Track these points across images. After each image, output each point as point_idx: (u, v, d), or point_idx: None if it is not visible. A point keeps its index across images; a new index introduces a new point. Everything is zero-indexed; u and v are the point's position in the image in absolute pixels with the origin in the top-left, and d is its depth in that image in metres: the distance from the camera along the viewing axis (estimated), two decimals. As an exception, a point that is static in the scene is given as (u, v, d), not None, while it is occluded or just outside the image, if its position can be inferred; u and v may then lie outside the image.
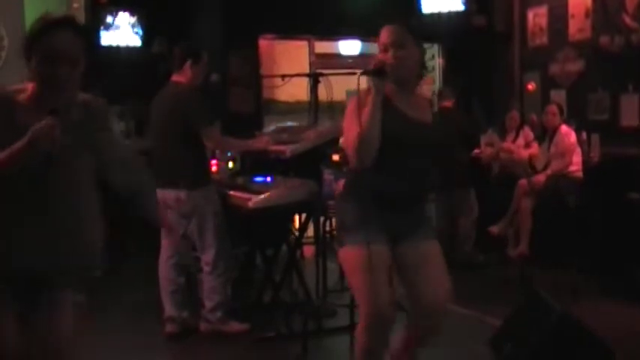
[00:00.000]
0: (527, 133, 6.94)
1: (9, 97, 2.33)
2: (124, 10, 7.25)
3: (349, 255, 3.03)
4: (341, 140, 3.71)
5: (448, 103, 6.79)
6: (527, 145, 6.82)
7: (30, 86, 2.33)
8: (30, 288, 2.40)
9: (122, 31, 7.28)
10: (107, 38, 7.20)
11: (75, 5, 6.05)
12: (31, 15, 5.09)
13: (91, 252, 2.48)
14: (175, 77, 4.66)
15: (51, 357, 2.44)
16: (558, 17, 7.28)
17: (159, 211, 2.82)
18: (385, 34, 3.04)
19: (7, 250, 2.34)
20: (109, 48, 7.18)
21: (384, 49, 3.02)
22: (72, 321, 2.47)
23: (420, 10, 7.65)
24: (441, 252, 3.12)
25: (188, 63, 4.62)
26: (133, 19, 7.29)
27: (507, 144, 6.87)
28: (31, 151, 2.19)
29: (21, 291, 2.38)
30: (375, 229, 2.95)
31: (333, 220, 5.58)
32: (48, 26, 2.25)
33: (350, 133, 2.95)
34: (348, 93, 4.40)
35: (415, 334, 3.18)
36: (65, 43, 2.22)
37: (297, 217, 5.31)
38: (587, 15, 6.90)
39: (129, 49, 7.31)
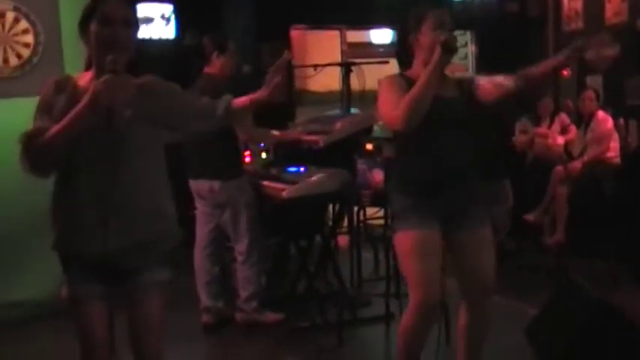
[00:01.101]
0: (564, 118, 6.85)
1: (71, 80, 2.43)
2: (158, 2, 7.29)
3: (401, 241, 3.10)
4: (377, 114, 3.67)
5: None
6: (564, 130, 6.74)
7: (89, 72, 2.42)
8: (113, 272, 2.39)
9: (155, 24, 7.34)
10: (140, 31, 7.24)
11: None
12: (66, 12, 5.13)
13: (166, 223, 2.48)
14: (206, 69, 4.68)
15: (140, 343, 2.47)
16: (594, 1, 7.17)
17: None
18: (443, 14, 3.08)
19: (77, 231, 2.36)
20: (142, 40, 7.23)
21: (441, 28, 3.01)
22: (160, 302, 2.47)
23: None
24: (491, 237, 3.16)
25: (215, 54, 4.64)
26: (167, 12, 7.33)
27: (541, 129, 6.78)
28: (94, 107, 2.22)
29: (105, 275, 2.39)
30: (426, 214, 3.02)
31: (367, 209, 5.61)
32: None
33: (389, 105, 2.99)
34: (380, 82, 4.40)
35: (472, 314, 3.21)
36: (117, 8, 2.37)
37: (330, 207, 5.31)
38: (623, -2, 6.78)
39: (161, 42, 7.36)
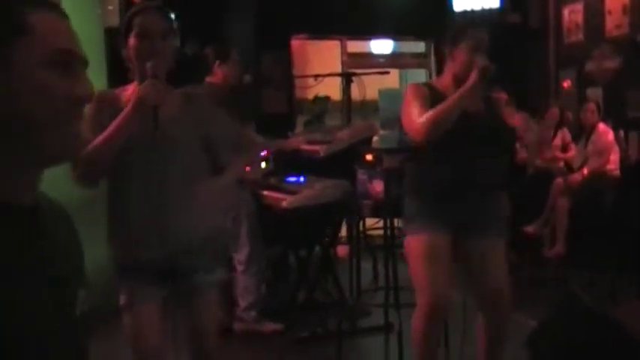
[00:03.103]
0: (565, 134, 6.84)
1: (114, 95, 2.50)
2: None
3: (411, 244, 3.13)
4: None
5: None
6: (565, 148, 6.74)
7: (131, 86, 2.47)
8: (167, 276, 2.43)
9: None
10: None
11: (109, 7, 6.10)
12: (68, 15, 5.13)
13: (217, 219, 2.54)
14: (209, 79, 4.68)
15: (201, 341, 2.52)
16: (595, 13, 7.19)
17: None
18: (482, 36, 3.12)
19: (134, 238, 2.40)
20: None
21: (479, 51, 3.05)
22: (216, 301, 2.53)
23: (451, 7, 7.60)
24: (505, 253, 3.18)
25: (216, 63, 4.64)
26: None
27: (547, 154, 6.74)
28: (140, 109, 2.28)
29: (159, 280, 2.42)
30: (437, 220, 3.05)
31: (367, 219, 5.60)
32: (137, 11, 2.47)
33: (413, 115, 3.02)
34: (381, 92, 4.38)
35: (486, 328, 3.21)
36: (154, 20, 2.43)
37: (330, 218, 5.31)
38: (624, 11, 6.79)
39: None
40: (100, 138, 2.27)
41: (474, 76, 2.93)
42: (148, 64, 2.32)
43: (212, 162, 2.53)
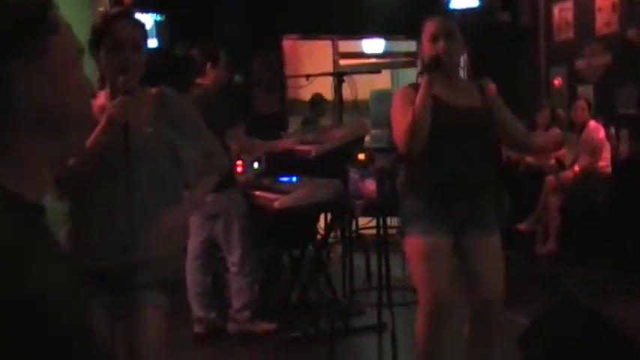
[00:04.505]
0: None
1: None
2: (148, 12, 7.26)
3: (410, 245, 3.10)
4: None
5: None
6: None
7: (102, 95, 2.45)
8: (115, 288, 2.39)
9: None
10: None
11: (100, 9, 6.09)
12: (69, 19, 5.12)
13: (171, 249, 2.48)
14: (199, 80, 4.66)
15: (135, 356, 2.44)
16: (584, 11, 7.20)
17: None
18: (435, 24, 3.05)
19: (89, 245, 2.37)
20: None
21: (433, 40, 3.01)
22: (156, 326, 2.45)
23: (443, 6, 7.60)
24: (501, 247, 3.16)
25: (208, 65, 4.63)
26: (156, 21, 7.31)
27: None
28: (111, 127, 2.26)
29: (108, 291, 2.38)
30: (435, 219, 3.02)
31: (360, 219, 5.60)
32: (109, 20, 2.41)
33: (398, 125, 3.00)
34: (372, 92, 4.38)
35: (475, 328, 3.19)
36: (127, 31, 2.38)
37: (323, 217, 5.31)
38: (614, 8, 6.82)
39: (150, 52, 7.30)
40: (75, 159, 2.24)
41: (424, 77, 2.91)
42: (120, 79, 2.29)
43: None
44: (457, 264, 3.17)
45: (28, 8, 1.01)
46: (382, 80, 8.59)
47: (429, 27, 3.04)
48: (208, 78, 4.63)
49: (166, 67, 7.03)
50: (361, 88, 5.23)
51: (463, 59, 8.53)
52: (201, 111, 4.67)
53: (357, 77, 5.30)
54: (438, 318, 3.04)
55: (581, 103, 6.38)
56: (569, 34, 7.47)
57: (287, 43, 8.02)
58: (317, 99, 7.68)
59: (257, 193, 4.78)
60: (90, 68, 2.53)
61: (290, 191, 4.52)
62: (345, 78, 5.27)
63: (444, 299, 3.02)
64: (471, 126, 3.03)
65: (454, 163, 3.01)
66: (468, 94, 3.11)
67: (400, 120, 2.98)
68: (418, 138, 2.92)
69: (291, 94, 8.13)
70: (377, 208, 4.15)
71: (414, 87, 3.08)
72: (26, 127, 1.01)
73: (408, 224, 3.15)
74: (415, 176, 3.16)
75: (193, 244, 4.70)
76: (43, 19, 1.02)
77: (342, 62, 8.10)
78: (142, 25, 2.48)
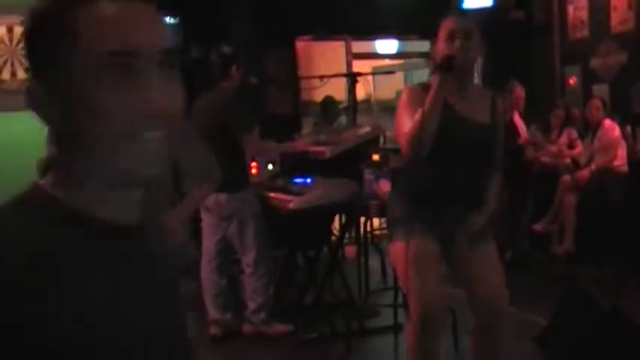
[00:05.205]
0: (571, 132, 6.82)
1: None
2: (161, 15, 7.28)
3: (396, 250, 2.97)
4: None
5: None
6: (571, 145, 6.72)
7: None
8: None
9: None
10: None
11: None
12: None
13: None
14: (224, 83, 4.63)
15: None
16: (599, 9, 7.16)
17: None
18: (453, 22, 2.92)
19: None
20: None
21: (449, 38, 2.89)
22: None
23: (457, 5, 7.58)
24: (497, 253, 3.05)
25: (234, 67, 4.62)
26: (170, 24, 7.33)
27: (553, 148, 6.75)
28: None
29: None
30: (424, 225, 2.91)
31: (374, 220, 5.60)
32: None
33: (403, 125, 2.89)
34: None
35: (478, 336, 3.09)
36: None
37: (337, 218, 5.31)
38: (629, 6, 6.77)
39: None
40: None
41: (435, 78, 2.81)
42: None
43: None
44: (453, 277, 3.07)
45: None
46: (396, 80, 8.59)
47: (447, 25, 2.92)
48: (233, 80, 4.62)
49: (182, 69, 7.09)
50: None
51: (477, 63, 8.51)
52: (218, 114, 4.69)
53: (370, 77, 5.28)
54: (428, 329, 2.88)
55: (596, 103, 6.34)
56: (584, 32, 7.43)
57: (300, 45, 8.03)
58: (328, 102, 7.57)
59: (272, 194, 4.78)
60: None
61: (304, 192, 4.52)
62: (358, 78, 5.26)
63: (434, 309, 2.88)
64: (473, 139, 2.93)
65: (445, 171, 2.91)
66: (478, 106, 2.99)
67: (405, 121, 2.88)
68: (424, 142, 2.80)
69: (304, 95, 8.12)
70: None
71: (424, 87, 2.97)
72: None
73: (393, 229, 3.03)
74: (408, 181, 3.06)
75: (208, 246, 4.71)
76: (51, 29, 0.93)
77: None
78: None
